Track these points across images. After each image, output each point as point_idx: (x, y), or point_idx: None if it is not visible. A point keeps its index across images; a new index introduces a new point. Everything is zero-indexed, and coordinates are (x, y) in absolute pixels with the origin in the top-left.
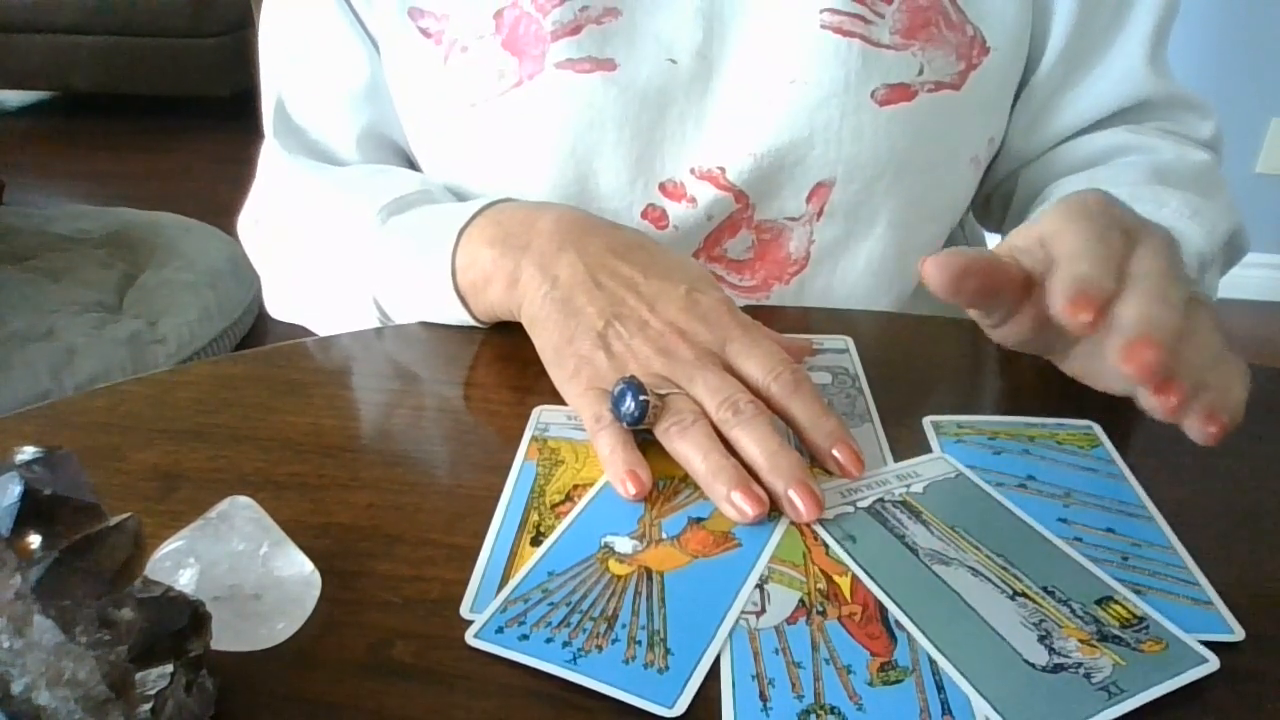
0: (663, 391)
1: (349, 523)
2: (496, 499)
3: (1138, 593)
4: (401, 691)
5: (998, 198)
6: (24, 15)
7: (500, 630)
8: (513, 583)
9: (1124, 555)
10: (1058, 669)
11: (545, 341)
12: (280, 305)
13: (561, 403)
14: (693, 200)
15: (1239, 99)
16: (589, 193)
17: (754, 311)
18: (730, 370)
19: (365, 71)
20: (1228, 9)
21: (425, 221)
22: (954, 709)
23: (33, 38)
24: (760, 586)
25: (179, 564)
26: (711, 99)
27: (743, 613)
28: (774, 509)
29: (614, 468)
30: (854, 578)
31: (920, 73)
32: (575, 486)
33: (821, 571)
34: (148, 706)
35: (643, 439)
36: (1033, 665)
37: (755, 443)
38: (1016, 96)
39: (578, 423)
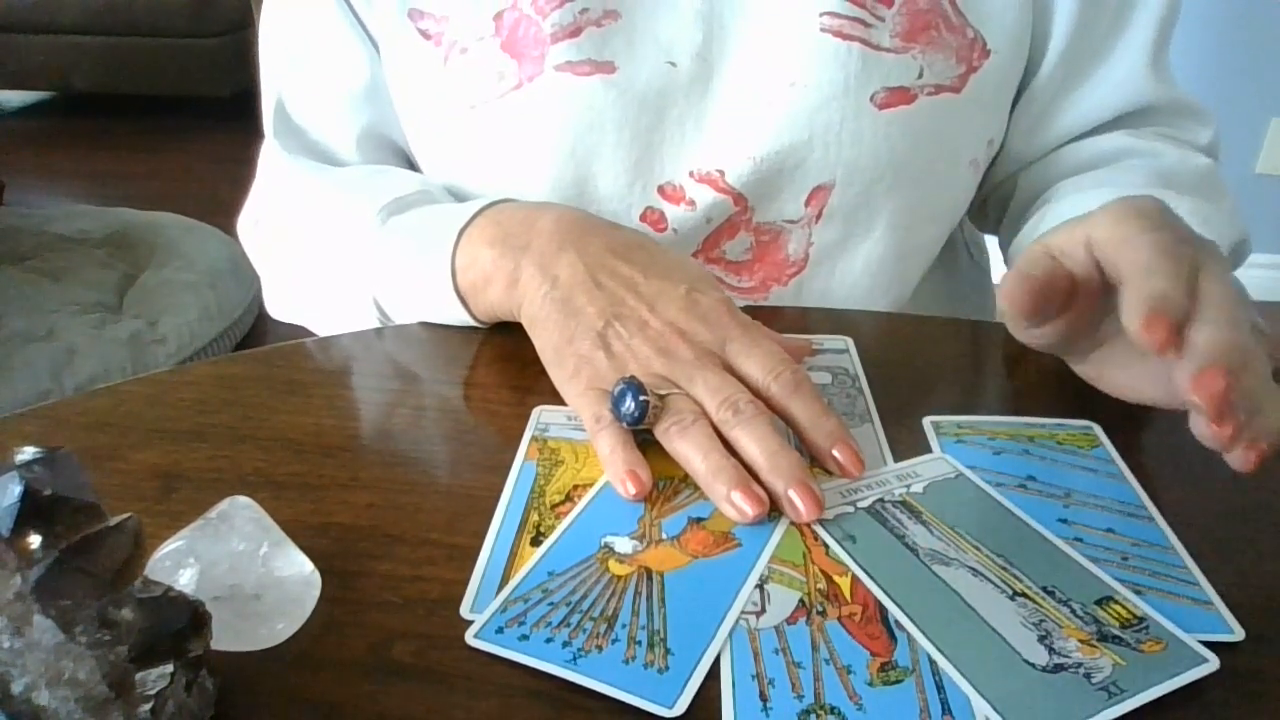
0: (663, 391)
1: (349, 523)
2: (496, 499)
3: (1138, 593)
4: (401, 691)
5: (995, 200)
6: (24, 15)
7: (500, 630)
8: (513, 583)
9: (1124, 555)
10: (1058, 669)
11: (545, 341)
12: (280, 305)
13: (561, 403)
14: (691, 203)
15: (1239, 99)
16: (587, 195)
17: (754, 312)
18: (730, 370)
19: (365, 72)
20: (1228, 9)
21: (425, 222)
22: (954, 709)
23: (33, 38)
24: (760, 586)
25: (179, 564)
26: (711, 102)
27: (743, 613)
28: (774, 509)
29: (614, 468)
30: (854, 578)
31: (920, 76)
32: (575, 487)
33: (821, 571)
34: (148, 706)
35: (643, 439)
36: (1033, 665)
37: (755, 443)
38: (1017, 99)
39: (578, 423)
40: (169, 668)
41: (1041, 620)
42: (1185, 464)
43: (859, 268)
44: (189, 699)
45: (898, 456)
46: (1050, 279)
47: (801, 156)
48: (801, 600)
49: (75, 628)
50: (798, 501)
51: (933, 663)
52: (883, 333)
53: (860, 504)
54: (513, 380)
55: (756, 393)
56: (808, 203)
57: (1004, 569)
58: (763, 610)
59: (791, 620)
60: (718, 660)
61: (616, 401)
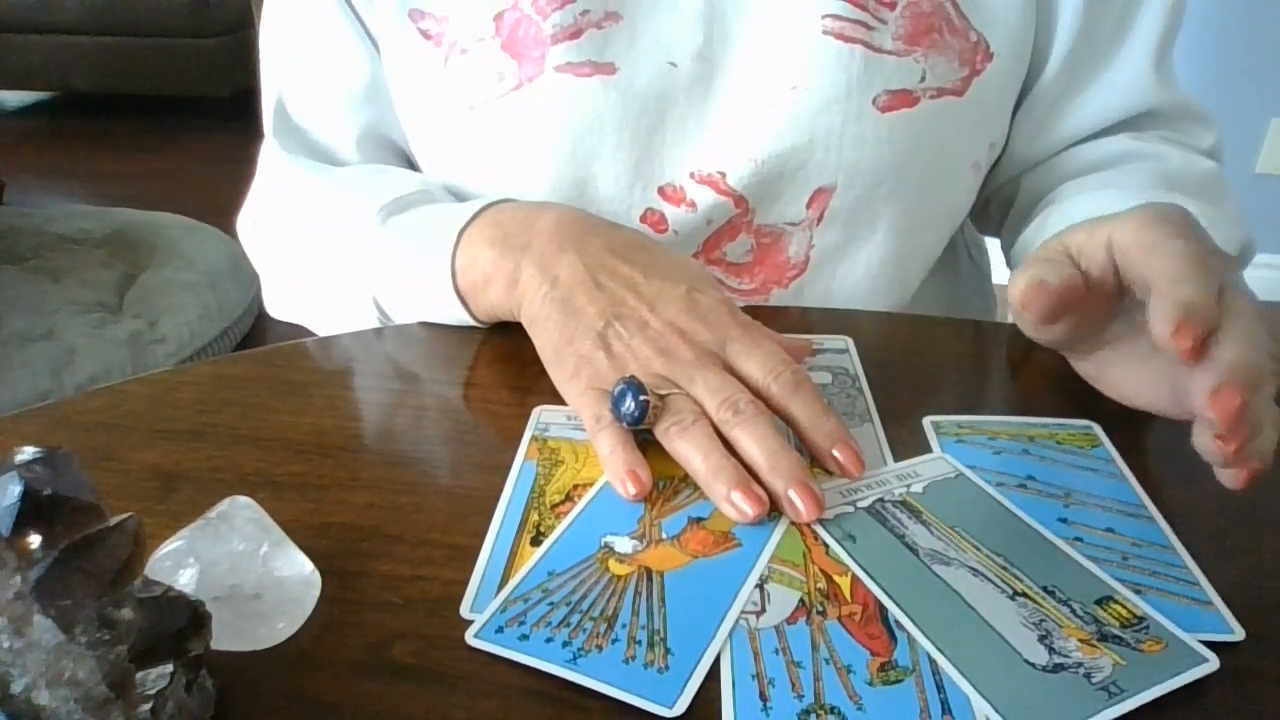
0: (663, 391)
1: (349, 523)
2: (496, 499)
3: (1138, 593)
4: (401, 691)
5: (997, 202)
6: (24, 15)
7: (500, 630)
8: (513, 583)
9: (1124, 555)
10: (1058, 669)
11: (545, 341)
12: (280, 305)
13: (561, 403)
14: (692, 204)
15: (1239, 99)
16: (588, 196)
17: (754, 312)
18: (730, 370)
19: (365, 72)
20: (1228, 9)
21: (425, 222)
22: (954, 709)
23: (33, 38)
24: (760, 586)
25: (179, 564)
26: (712, 103)
27: (743, 613)
28: (774, 509)
29: (614, 468)
30: (854, 578)
31: (922, 79)
32: (575, 486)
33: (821, 571)
34: (148, 706)
35: (643, 439)
36: (1033, 665)
37: (755, 442)
38: (1020, 103)
39: (578, 423)
40: (169, 668)
41: (1041, 620)
42: (1185, 464)
43: (860, 270)
44: (189, 699)
45: (898, 456)
46: (1067, 289)
47: (803, 159)
48: (801, 600)
49: (75, 628)
50: (798, 501)
51: (933, 662)
52: (883, 333)
53: (860, 504)
54: (513, 380)
55: (757, 393)
56: (809, 205)
57: (1004, 569)
58: (763, 610)
59: (791, 620)
60: (718, 660)
61: (616, 401)
